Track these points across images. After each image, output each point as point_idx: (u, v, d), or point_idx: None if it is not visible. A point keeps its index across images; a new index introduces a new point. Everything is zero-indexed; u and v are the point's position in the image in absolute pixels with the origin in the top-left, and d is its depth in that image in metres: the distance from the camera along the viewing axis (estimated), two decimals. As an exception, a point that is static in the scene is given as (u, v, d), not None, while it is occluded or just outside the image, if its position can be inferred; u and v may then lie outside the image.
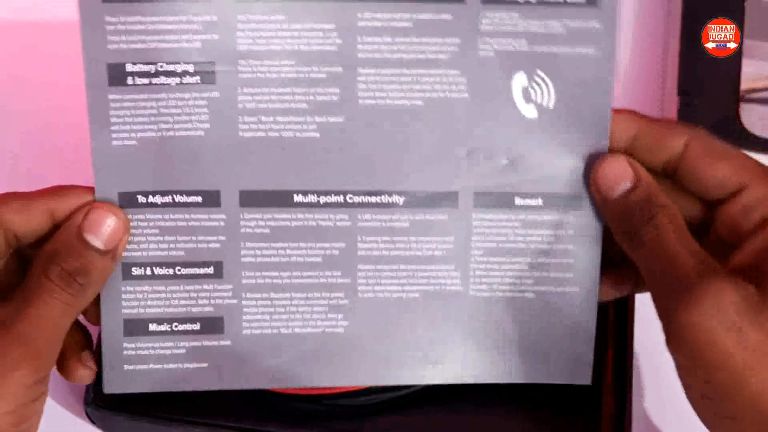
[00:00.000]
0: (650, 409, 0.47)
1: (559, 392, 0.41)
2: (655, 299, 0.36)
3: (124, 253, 0.39)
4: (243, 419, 0.43)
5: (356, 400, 0.43)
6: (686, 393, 0.36)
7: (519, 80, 0.38)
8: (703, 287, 0.33)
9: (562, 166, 0.38)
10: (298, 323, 0.40)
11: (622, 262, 0.39)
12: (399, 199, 0.39)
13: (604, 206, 0.38)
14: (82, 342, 0.39)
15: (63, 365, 0.38)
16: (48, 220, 0.37)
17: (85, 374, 0.38)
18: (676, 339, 0.34)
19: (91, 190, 0.38)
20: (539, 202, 0.39)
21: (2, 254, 0.37)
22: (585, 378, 0.40)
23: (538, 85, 0.38)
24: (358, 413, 0.43)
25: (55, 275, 0.35)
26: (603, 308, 0.40)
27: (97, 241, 0.36)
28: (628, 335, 0.44)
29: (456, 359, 0.40)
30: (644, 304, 0.48)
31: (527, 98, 0.38)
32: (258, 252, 0.39)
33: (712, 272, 0.34)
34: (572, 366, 0.40)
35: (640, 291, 0.41)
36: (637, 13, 0.54)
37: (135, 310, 0.39)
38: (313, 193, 0.39)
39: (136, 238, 0.39)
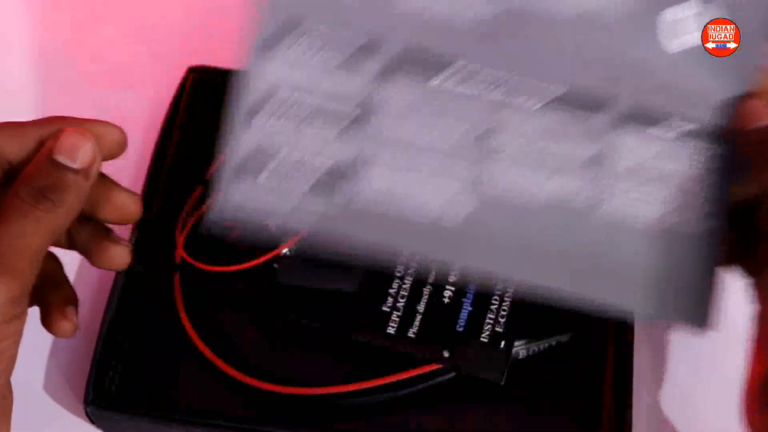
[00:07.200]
0: (651, 407, 0.47)
1: (560, 393, 0.41)
2: None
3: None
4: (243, 419, 0.42)
5: (356, 400, 0.43)
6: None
7: (672, 13, 0.38)
8: None
9: (706, 99, 0.38)
10: (420, 196, 0.39)
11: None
12: (557, 91, 0.39)
13: (742, 136, 0.38)
14: (69, 298, 0.39)
15: (46, 318, 0.38)
16: (38, 148, 0.37)
17: (66, 327, 0.38)
18: None
19: (83, 121, 0.38)
20: (681, 128, 0.39)
21: None
22: (702, 321, 0.38)
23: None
24: (358, 413, 0.43)
25: (25, 193, 0.35)
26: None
27: (68, 161, 0.36)
28: (629, 332, 0.44)
29: (571, 278, 0.39)
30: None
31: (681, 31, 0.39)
32: (399, 111, 0.39)
33: None
34: (691, 307, 0.38)
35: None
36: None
37: (262, 142, 0.39)
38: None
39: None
